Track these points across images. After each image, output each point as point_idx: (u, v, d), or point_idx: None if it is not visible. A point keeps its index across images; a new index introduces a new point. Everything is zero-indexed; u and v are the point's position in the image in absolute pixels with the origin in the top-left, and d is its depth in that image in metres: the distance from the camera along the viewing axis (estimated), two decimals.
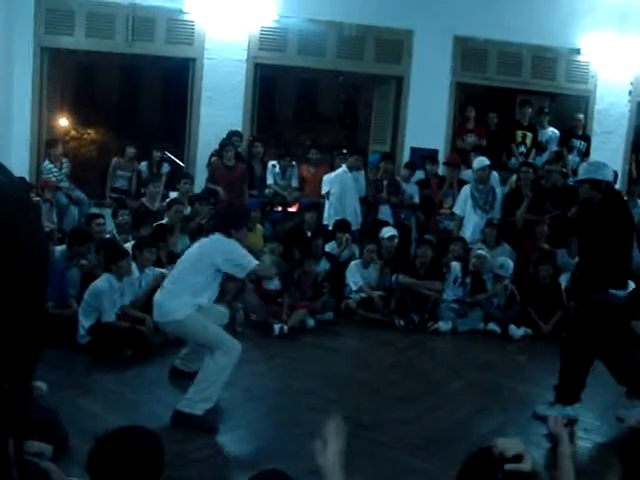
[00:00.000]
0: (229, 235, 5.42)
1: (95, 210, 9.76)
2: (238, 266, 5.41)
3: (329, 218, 9.65)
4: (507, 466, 1.71)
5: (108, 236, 8.28)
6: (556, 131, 11.01)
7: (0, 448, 0.94)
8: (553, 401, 5.75)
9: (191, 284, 5.32)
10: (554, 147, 10.90)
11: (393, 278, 8.80)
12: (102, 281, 6.82)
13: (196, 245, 5.72)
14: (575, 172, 10.43)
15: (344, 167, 9.69)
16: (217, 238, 5.45)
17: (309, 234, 9.14)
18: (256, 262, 5.56)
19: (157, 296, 5.48)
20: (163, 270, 7.22)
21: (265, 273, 6.52)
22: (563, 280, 8.74)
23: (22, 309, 0.96)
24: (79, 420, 4.75)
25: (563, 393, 5.72)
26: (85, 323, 6.64)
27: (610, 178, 5.99)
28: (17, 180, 1.01)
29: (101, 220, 8.27)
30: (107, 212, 9.24)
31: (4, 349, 0.94)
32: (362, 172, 9.88)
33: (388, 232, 9.04)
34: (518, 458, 1.75)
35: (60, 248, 7.50)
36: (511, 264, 8.73)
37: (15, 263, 0.94)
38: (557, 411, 5.34)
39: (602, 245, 5.57)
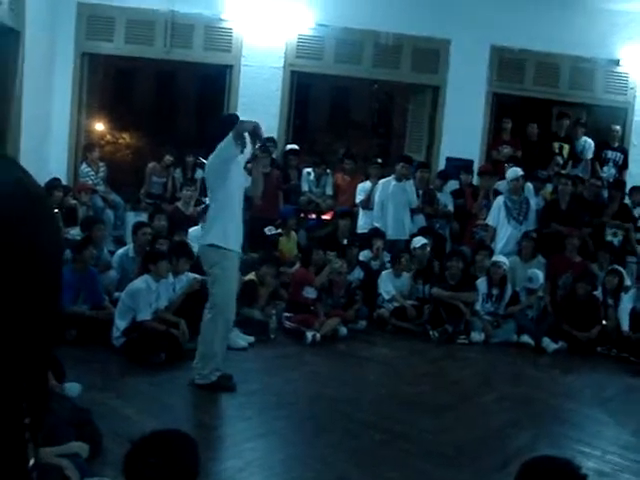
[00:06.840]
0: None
1: (131, 214, 9.87)
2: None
3: (367, 226, 9.60)
4: None
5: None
6: (589, 140, 10.91)
7: (19, 454, 0.94)
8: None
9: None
10: (589, 155, 10.81)
11: (426, 289, 8.75)
12: (140, 281, 6.96)
13: None
14: (610, 184, 10.36)
15: (392, 176, 9.64)
16: None
17: (345, 242, 9.13)
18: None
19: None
20: (197, 275, 7.26)
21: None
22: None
23: (34, 303, 0.96)
24: (112, 422, 4.77)
25: None
26: (120, 324, 6.69)
27: None
28: (26, 180, 0.98)
29: (148, 229, 8.28)
30: (143, 216, 9.36)
31: (18, 349, 0.93)
32: (411, 181, 9.66)
33: (419, 241, 8.98)
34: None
35: (94, 251, 7.51)
36: (540, 275, 8.64)
37: (24, 258, 0.93)
38: None
39: None
